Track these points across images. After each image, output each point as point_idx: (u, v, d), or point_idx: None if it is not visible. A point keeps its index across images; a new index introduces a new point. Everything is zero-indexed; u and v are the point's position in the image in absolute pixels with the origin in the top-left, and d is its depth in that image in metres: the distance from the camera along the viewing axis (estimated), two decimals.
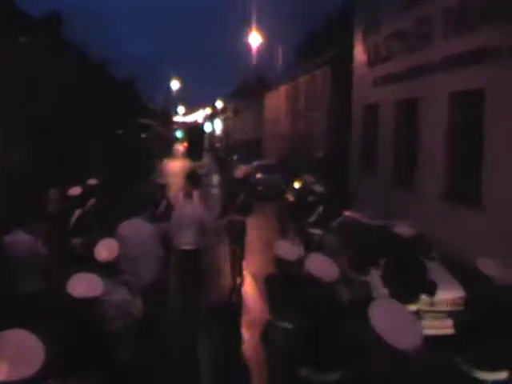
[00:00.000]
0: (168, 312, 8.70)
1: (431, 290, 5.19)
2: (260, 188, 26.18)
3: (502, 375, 4.70)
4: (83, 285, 4.38)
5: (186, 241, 9.12)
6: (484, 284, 5.08)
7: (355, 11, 20.98)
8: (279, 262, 5.37)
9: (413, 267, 4.97)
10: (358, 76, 20.30)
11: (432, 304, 7.57)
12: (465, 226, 11.84)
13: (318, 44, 31.68)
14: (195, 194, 11.33)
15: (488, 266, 5.13)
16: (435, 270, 7.28)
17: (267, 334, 5.37)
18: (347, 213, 11.66)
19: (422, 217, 12.40)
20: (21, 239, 7.28)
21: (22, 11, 20.22)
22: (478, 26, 11.68)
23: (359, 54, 20.14)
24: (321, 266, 4.65)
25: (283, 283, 5.19)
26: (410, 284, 4.67)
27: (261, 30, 38.64)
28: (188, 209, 9.51)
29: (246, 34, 38.86)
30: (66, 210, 9.59)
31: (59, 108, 21.03)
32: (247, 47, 40.26)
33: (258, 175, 27.86)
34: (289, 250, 5.46)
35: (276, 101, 39.97)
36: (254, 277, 11.92)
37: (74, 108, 22.85)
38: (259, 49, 38.69)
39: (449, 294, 7.98)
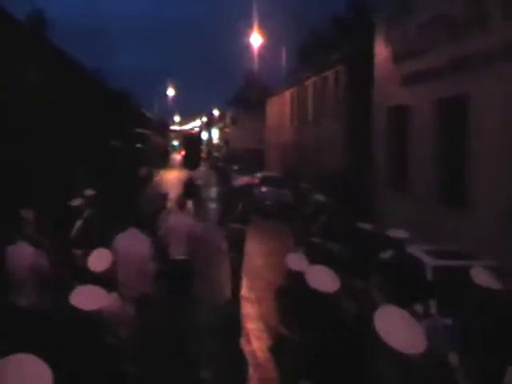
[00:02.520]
0: (159, 323, 8.43)
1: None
2: (268, 203, 23.49)
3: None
4: (87, 296, 4.32)
5: (178, 251, 9.12)
6: (479, 294, 4.92)
7: None
8: (290, 273, 5.36)
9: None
10: (379, 75, 17.64)
11: None
12: None
13: (326, 42, 29.07)
14: (188, 204, 11.54)
15: (482, 276, 4.97)
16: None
17: (277, 346, 5.35)
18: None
19: (476, 241, 9.88)
20: (23, 250, 7.14)
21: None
22: None
23: (381, 48, 17.49)
24: (321, 278, 4.59)
25: (293, 295, 5.16)
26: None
27: (262, 32, 35.90)
28: (180, 219, 9.45)
29: (245, 38, 36.23)
30: (67, 221, 9.71)
31: (41, 117, 18.56)
32: (246, 51, 37.73)
33: (264, 189, 25.02)
34: (299, 261, 5.43)
35: (279, 107, 37.28)
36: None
37: (59, 117, 20.45)
38: (260, 51, 35.91)
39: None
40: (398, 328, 3.07)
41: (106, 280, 5.31)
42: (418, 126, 14.62)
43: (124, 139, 34.25)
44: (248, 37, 35.25)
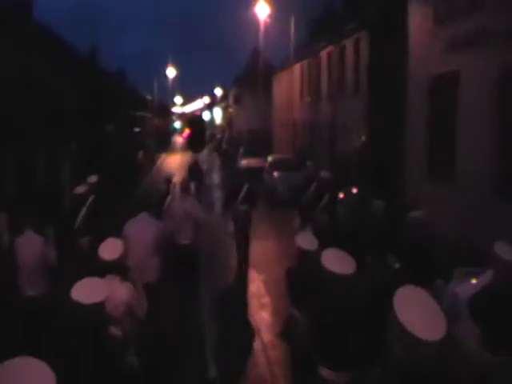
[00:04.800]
0: (168, 307, 8.36)
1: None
2: (281, 190, 20.67)
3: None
4: (87, 290, 4.29)
5: (182, 236, 9.00)
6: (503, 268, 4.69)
7: None
8: (300, 253, 5.34)
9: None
10: (416, 40, 14.78)
11: None
12: None
13: (340, 14, 26.10)
14: (192, 187, 12.01)
15: (505, 251, 4.74)
16: None
17: (288, 328, 5.33)
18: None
19: None
20: (31, 240, 7.19)
21: None
22: None
23: (417, 9, 14.64)
24: (337, 260, 4.46)
25: (304, 275, 5.09)
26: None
27: (268, 3, 32.48)
28: (184, 204, 9.37)
29: (250, 11, 33.02)
30: (73, 209, 9.62)
31: (22, 102, 15.98)
32: (252, 26, 34.74)
33: (276, 174, 22.24)
34: (309, 241, 5.43)
35: (288, 83, 34.34)
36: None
37: (43, 103, 17.90)
38: (267, 23, 32.72)
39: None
40: (417, 311, 2.88)
41: (116, 268, 5.38)
42: (474, 99, 11.85)
43: (120, 123, 31.65)
44: (253, 8, 32.09)
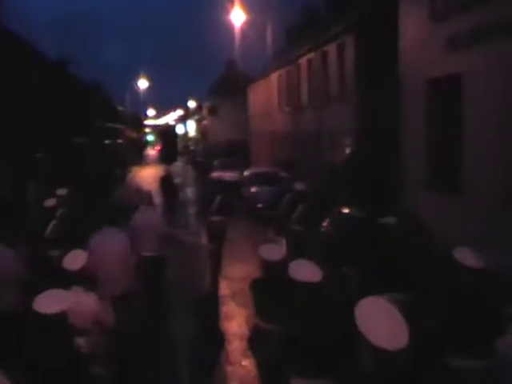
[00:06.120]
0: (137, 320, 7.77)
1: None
2: (260, 206, 19.05)
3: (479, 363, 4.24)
4: (49, 301, 4.27)
5: (147, 248, 8.69)
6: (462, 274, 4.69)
7: None
8: (264, 264, 5.33)
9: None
10: (409, 40, 13.60)
11: None
12: None
13: (320, 19, 24.99)
14: (155, 200, 11.71)
15: (465, 256, 4.71)
16: None
17: (254, 338, 5.31)
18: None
19: None
20: (1, 255, 6.85)
21: None
22: None
23: (410, 7, 13.48)
24: (304, 271, 4.48)
25: (269, 286, 5.16)
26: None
27: (244, 12, 31.02)
28: (147, 216, 9.10)
29: (225, 20, 31.56)
30: (42, 223, 9.53)
31: None
32: (227, 36, 33.35)
33: (254, 189, 20.63)
34: (273, 251, 5.44)
35: (265, 92, 33.04)
36: None
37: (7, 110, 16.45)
38: (242, 32, 31.30)
39: None
40: (379, 321, 2.91)
41: (82, 279, 5.40)
42: (478, 103, 10.68)
43: (91, 135, 30.10)
44: (228, 16, 30.63)
